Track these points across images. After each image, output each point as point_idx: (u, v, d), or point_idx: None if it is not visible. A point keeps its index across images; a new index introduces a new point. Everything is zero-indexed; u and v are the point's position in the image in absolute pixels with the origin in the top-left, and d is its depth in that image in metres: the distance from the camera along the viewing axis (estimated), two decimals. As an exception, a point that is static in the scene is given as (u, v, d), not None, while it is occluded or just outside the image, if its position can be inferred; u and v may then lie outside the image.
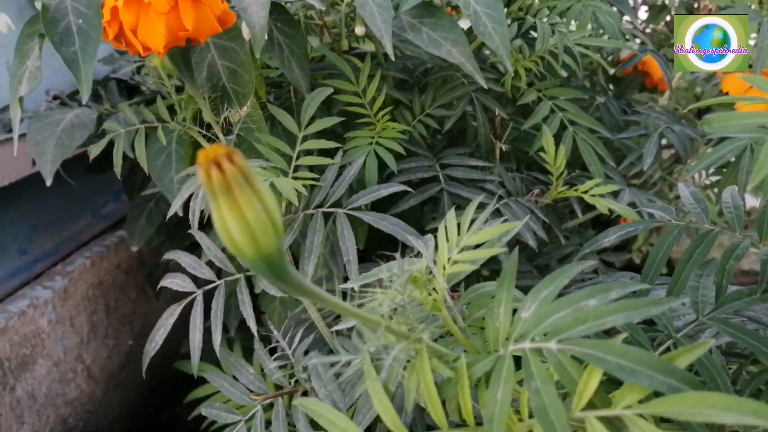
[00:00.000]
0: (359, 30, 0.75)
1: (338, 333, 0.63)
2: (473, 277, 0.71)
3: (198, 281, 0.65)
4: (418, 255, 0.51)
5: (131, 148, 0.76)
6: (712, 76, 1.12)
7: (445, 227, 0.43)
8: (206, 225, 0.63)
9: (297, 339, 0.62)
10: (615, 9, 0.99)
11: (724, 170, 0.93)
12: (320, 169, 0.72)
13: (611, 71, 1.12)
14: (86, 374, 1.29)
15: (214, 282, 0.64)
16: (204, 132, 0.64)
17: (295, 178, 0.64)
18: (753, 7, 1.02)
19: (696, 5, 1.27)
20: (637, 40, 1.07)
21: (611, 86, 1.15)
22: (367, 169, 0.72)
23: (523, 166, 0.90)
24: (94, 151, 0.68)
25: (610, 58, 1.11)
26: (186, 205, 0.64)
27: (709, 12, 0.95)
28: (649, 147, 0.87)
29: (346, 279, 0.75)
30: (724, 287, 0.49)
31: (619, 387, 0.33)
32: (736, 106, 0.85)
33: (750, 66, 1.23)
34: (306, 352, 0.62)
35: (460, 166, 0.80)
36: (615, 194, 0.81)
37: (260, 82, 0.74)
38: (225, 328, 1.07)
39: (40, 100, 1.15)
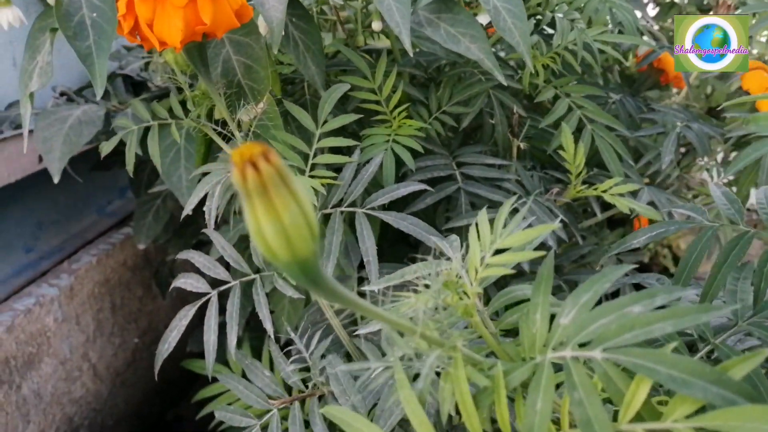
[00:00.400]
0: (376, 25, 0.74)
1: (355, 334, 0.62)
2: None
3: (210, 282, 0.64)
4: (440, 256, 0.50)
5: (140, 145, 0.75)
6: (724, 73, 1.11)
7: (477, 228, 0.41)
8: (218, 226, 0.61)
9: (315, 341, 0.61)
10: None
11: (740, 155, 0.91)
12: (334, 167, 0.71)
13: (627, 65, 1.10)
14: (92, 373, 1.28)
15: (228, 282, 0.62)
16: (218, 129, 0.62)
17: (312, 177, 0.63)
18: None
19: (705, 2, 1.26)
20: (645, 38, 1.06)
21: (626, 84, 1.13)
22: (384, 168, 0.70)
23: (539, 165, 0.88)
24: (106, 148, 0.67)
25: (630, 58, 1.10)
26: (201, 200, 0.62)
27: (729, 9, 0.93)
28: (668, 145, 0.85)
29: (360, 280, 0.74)
30: (763, 291, 0.47)
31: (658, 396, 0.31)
32: (757, 105, 0.84)
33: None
34: (322, 356, 0.60)
35: (477, 165, 0.78)
36: (633, 193, 0.80)
37: (275, 78, 0.73)
38: (233, 326, 1.06)
39: (47, 97, 1.13)
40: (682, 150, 1.05)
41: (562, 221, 0.75)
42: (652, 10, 1.57)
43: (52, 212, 1.29)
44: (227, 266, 0.66)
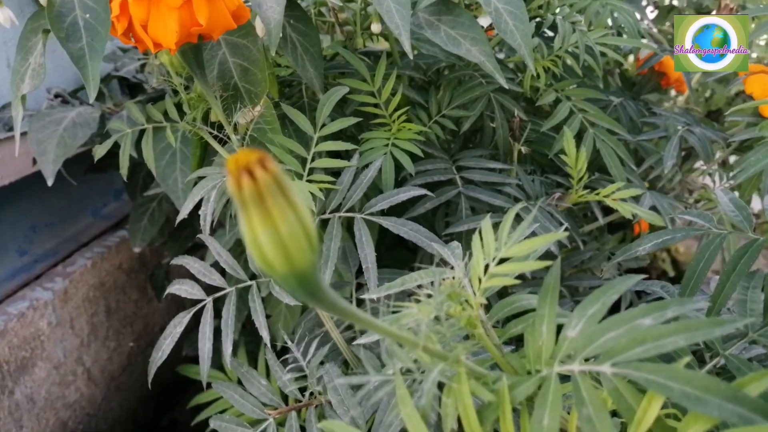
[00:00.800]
0: (376, 27, 0.73)
1: (354, 344, 0.61)
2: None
3: (205, 288, 0.63)
4: (441, 263, 0.49)
5: (136, 148, 0.73)
6: (724, 77, 1.10)
7: (480, 236, 0.40)
8: (214, 230, 0.60)
9: (312, 350, 0.60)
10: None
11: (748, 161, 0.90)
12: (333, 171, 0.69)
13: (627, 68, 1.09)
14: (86, 377, 1.26)
15: (224, 289, 0.61)
16: (215, 133, 0.61)
17: (310, 181, 0.62)
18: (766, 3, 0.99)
19: (705, 5, 1.25)
20: (646, 41, 1.05)
21: (626, 87, 1.12)
22: (383, 172, 0.69)
23: (540, 168, 0.87)
24: (100, 151, 0.65)
25: (629, 65, 1.09)
26: (196, 204, 0.61)
27: (731, 12, 0.92)
28: (670, 150, 0.84)
29: (359, 286, 0.73)
30: (773, 301, 0.46)
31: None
32: (761, 110, 0.83)
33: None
34: (320, 364, 0.59)
35: (478, 169, 0.77)
36: (636, 198, 0.79)
37: (272, 81, 0.71)
38: (229, 331, 1.05)
39: (42, 98, 1.12)
40: (683, 153, 1.05)
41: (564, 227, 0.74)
42: (650, 13, 1.56)
43: (47, 215, 1.28)
44: (223, 272, 0.64)
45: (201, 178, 0.60)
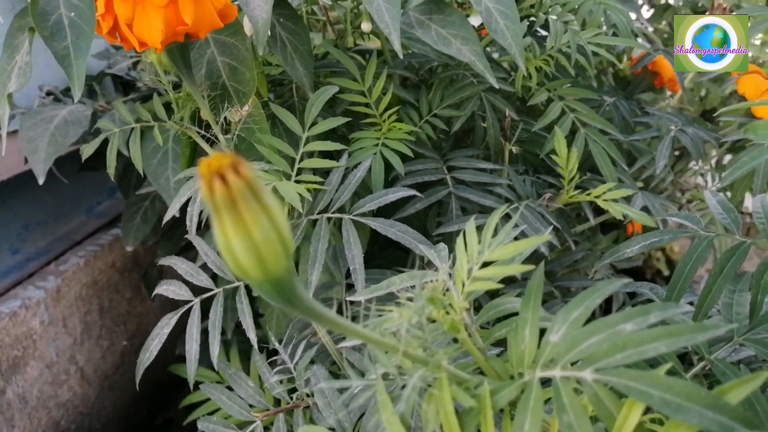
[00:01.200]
0: (366, 26, 0.72)
1: (339, 346, 0.60)
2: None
3: (194, 288, 0.62)
4: (428, 264, 0.48)
5: (126, 147, 0.73)
6: (719, 76, 1.10)
7: (464, 239, 0.40)
8: (203, 228, 0.60)
9: (300, 351, 0.59)
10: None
11: (738, 164, 0.90)
12: (323, 171, 0.69)
13: (621, 67, 1.09)
14: (79, 376, 1.26)
15: (212, 290, 0.61)
16: (203, 133, 0.60)
17: (298, 182, 0.61)
18: (761, 3, 0.99)
19: (700, 4, 1.25)
20: (640, 40, 1.04)
21: (620, 86, 1.12)
22: (373, 172, 0.68)
23: (531, 168, 0.87)
24: (87, 151, 0.65)
25: (623, 59, 1.08)
26: (183, 206, 0.61)
27: (724, 11, 0.92)
28: (662, 150, 0.84)
29: (349, 286, 0.72)
30: (760, 303, 0.46)
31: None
32: (753, 110, 0.83)
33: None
34: (309, 365, 0.59)
35: (469, 169, 0.77)
36: (627, 199, 0.78)
37: (262, 79, 0.71)
38: (222, 330, 1.05)
39: (33, 96, 1.11)
40: (676, 153, 1.04)
41: (554, 227, 0.73)
42: (646, 12, 1.56)
43: (39, 213, 1.27)
44: (213, 273, 0.64)
45: (189, 178, 0.60)
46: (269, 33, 0.66)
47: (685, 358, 0.48)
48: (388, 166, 0.72)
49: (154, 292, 0.63)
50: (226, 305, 1.03)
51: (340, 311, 0.68)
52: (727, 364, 0.44)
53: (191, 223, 0.56)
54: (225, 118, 0.61)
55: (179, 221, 0.74)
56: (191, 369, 0.58)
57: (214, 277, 0.64)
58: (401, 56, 0.65)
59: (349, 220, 0.60)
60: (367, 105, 0.75)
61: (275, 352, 0.65)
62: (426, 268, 0.60)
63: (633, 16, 1.24)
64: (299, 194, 0.56)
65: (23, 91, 0.84)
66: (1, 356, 1.04)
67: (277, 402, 0.60)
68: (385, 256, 0.96)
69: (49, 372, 1.17)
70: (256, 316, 0.89)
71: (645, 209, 0.80)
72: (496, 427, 0.34)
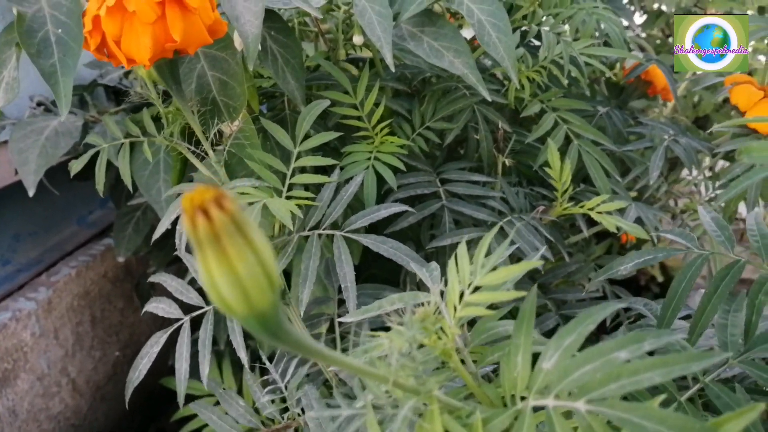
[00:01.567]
0: (357, 39, 0.72)
1: (330, 370, 0.60)
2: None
3: (185, 305, 0.62)
4: (421, 286, 0.48)
5: (117, 158, 0.72)
6: (712, 85, 1.10)
7: (456, 261, 0.39)
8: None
9: (291, 369, 0.58)
10: (621, 19, 0.96)
11: (732, 182, 0.90)
12: (316, 185, 0.68)
13: (615, 73, 1.09)
14: (71, 387, 1.25)
15: (202, 308, 0.60)
16: (193, 149, 0.60)
17: (289, 197, 0.60)
18: (750, 12, 0.99)
19: (692, 11, 1.25)
20: (634, 50, 1.04)
21: (612, 95, 1.12)
22: (365, 187, 0.68)
23: (525, 180, 0.86)
24: (76, 166, 0.64)
25: (616, 67, 1.08)
26: (174, 220, 0.60)
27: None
28: (655, 160, 0.84)
29: (341, 301, 0.72)
30: (754, 324, 0.45)
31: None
32: (748, 123, 0.82)
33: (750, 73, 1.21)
34: (307, 375, 0.58)
35: (462, 182, 0.76)
36: (621, 210, 0.78)
37: (253, 93, 0.70)
38: (215, 340, 1.04)
39: (24, 106, 1.10)
40: (669, 163, 1.04)
41: (547, 240, 0.73)
42: (639, 18, 1.56)
43: (30, 224, 1.26)
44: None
45: (179, 194, 0.59)
46: (260, 47, 0.65)
47: (682, 379, 0.48)
48: (381, 180, 0.71)
49: (144, 310, 0.62)
50: (218, 317, 1.03)
51: (332, 327, 0.67)
52: (722, 388, 0.43)
53: (180, 240, 0.56)
54: (217, 132, 0.61)
55: (172, 231, 0.73)
56: (181, 388, 0.57)
57: (203, 291, 0.63)
58: (393, 69, 0.65)
59: (341, 236, 0.59)
60: (359, 118, 0.74)
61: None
62: (420, 282, 0.59)
63: (625, 23, 1.24)
64: (290, 211, 0.55)
65: (13, 102, 0.83)
66: (-9, 369, 1.03)
67: (269, 422, 0.60)
68: (379, 265, 0.95)
69: (40, 384, 1.16)
70: (248, 332, 0.88)
71: (638, 220, 0.79)
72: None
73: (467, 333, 0.43)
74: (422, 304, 0.39)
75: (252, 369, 0.60)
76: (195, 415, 1.02)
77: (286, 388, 0.57)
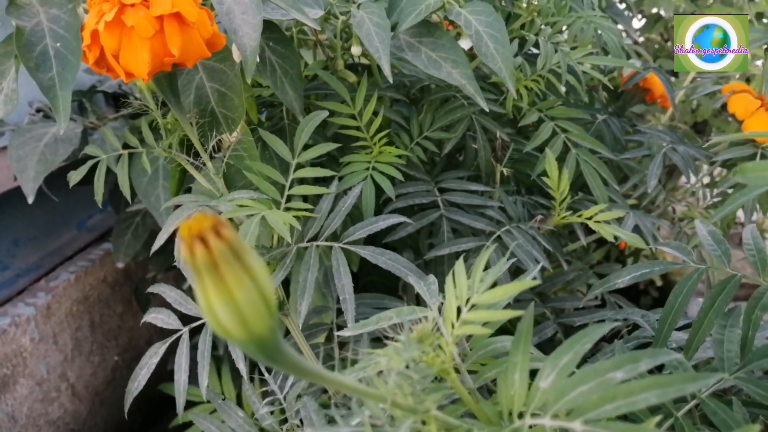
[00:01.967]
0: (356, 50, 0.72)
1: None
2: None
3: (184, 315, 0.62)
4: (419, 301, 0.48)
5: (116, 164, 0.72)
6: (711, 93, 1.10)
7: (453, 278, 0.39)
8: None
9: (291, 380, 0.59)
10: (618, 26, 0.96)
11: (730, 191, 0.90)
12: (315, 195, 0.68)
13: (610, 86, 1.09)
14: (70, 392, 1.25)
15: (201, 319, 0.60)
16: (191, 160, 0.60)
17: (287, 209, 0.61)
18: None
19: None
20: (635, 61, 1.04)
21: (611, 101, 1.12)
22: (363, 197, 0.68)
23: (523, 188, 0.87)
24: (75, 177, 0.64)
25: (614, 74, 1.08)
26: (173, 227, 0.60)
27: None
28: (653, 169, 0.84)
29: (340, 311, 0.72)
30: (750, 340, 0.45)
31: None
32: (744, 128, 0.83)
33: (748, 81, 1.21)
34: (298, 397, 0.58)
35: (460, 191, 0.76)
36: (619, 219, 0.78)
37: (251, 103, 0.70)
38: (214, 345, 1.04)
39: (23, 113, 1.10)
40: (666, 170, 1.04)
41: (545, 248, 0.73)
42: (638, 22, 1.56)
43: (30, 228, 1.26)
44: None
45: (178, 205, 0.59)
46: (259, 58, 0.65)
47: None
48: (380, 189, 0.71)
49: (143, 320, 0.62)
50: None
51: (330, 337, 0.67)
52: (719, 404, 0.43)
53: (179, 252, 0.56)
54: (216, 142, 0.61)
55: (171, 236, 0.73)
56: (180, 399, 0.58)
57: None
58: (391, 81, 0.65)
59: (339, 248, 0.60)
60: (357, 128, 0.75)
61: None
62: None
63: (622, 27, 1.24)
64: (288, 224, 0.55)
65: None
66: (-10, 375, 1.03)
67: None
68: (378, 272, 0.95)
69: (39, 389, 1.16)
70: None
71: (636, 229, 0.79)
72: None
73: (465, 344, 0.43)
74: (420, 320, 0.40)
75: (251, 380, 0.61)
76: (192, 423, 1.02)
77: (285, 399, 0.58)
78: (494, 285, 0.39)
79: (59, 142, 0.96)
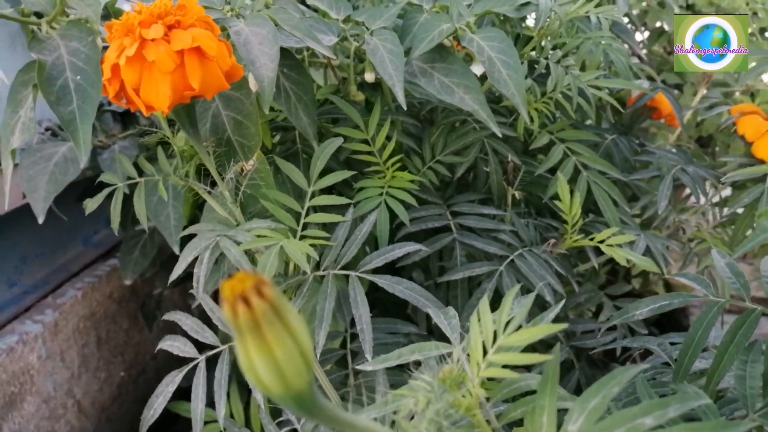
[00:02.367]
0: (369, 77, 0.72)
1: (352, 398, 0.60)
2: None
3: (199, 344, 0.62)
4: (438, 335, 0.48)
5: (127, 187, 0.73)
6: (719, 114, 1.10)
7: (479, 317, 0.39)
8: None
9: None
10: (626, 46, 0.97)
11: (741, 211, 0.90)
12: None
13: (618, 107, 1.10)
14: (77, 409, 1.25)
15: (217, 347, 0.60)
16: (209, 189, 0.60)
17: (303, 237, 0.61)
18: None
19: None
20: (643, 81, 1.05)
21: (618, 119, 1.13)
22: (378, 224, 0.68)
23: (534, 210, 0.87)
24: (91, 205, 0.64)
25: (621, 92, 1.09)
26: (182, 242, 0.60)
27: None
28: (663, 190, 0.84)
29: (353, 335, 0.72)
30: (772, 376, 0.45)
31: None
32: (753, 150, 0.83)
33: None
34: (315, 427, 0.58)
35: (472, 215, 0.77)
36: (630, 242, 0.79)
37: (266, 129, 0.71)
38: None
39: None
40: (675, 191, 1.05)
41: (557, 272, 0.73)
42: (641, 35, 1.57)
43: (37, 245, 1.26)
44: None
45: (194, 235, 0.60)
46: (274, 85, 0.65)
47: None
48: (393, 213, 0.72)
49: (158, 347, 0.63)
50: (233, 356, 1.02)
51: (344, 361, 0.67)
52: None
53: (198, 284, 0.56)
54: (237, 170, 0.61)
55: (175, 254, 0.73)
56: (197, 428, 0.58)
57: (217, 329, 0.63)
58: (405, 107, 0.65)
59: (356, 277, 0.60)
60: (370, 153, 0.75)
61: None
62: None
63: (629, 47, 1.25)
64: (306, 254, 0.55)
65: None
66: (-2, 393, 1.03)
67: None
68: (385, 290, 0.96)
69: (46, 407, 1.16)
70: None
71: (647, 251, 0.80)
72: None
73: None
74: (443, 356, 0.40)
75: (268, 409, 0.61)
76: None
77: (302, 429, 0.58)
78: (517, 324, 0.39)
79: (69, 162, 0.96)
